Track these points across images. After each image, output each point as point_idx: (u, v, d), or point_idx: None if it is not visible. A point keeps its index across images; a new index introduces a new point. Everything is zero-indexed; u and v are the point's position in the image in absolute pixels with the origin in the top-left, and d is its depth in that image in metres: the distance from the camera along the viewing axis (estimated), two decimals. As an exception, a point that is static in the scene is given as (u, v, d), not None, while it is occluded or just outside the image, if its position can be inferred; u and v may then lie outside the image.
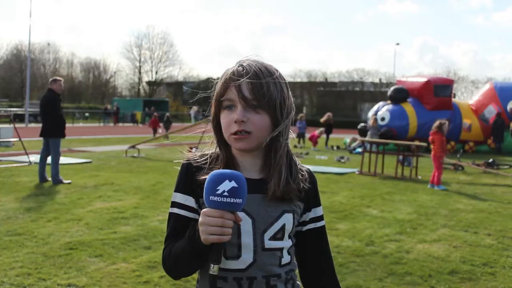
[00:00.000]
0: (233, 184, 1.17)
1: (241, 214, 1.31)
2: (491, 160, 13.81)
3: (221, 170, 1.22)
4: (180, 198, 1.39)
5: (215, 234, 1.18)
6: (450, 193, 9.33)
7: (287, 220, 1.37)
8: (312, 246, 1.46)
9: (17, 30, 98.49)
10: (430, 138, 10.30)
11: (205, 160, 1.40)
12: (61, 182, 8.81)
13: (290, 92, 1.40)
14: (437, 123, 10.28)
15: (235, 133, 1.32)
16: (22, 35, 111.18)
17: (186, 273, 1.35)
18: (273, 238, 1.35)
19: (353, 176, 11.50)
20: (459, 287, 4.29)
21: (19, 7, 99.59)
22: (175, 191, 1.41)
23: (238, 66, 1.35)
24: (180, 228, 1.35)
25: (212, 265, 1.20)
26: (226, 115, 1.34)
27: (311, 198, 1.44)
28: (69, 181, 9.00)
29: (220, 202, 1.17)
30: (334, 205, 7.62)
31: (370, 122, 18.03)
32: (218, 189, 1.17)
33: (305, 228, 1.45)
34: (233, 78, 1.32)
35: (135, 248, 5.04)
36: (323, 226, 1.49)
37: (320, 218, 1.47)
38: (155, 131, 25.02)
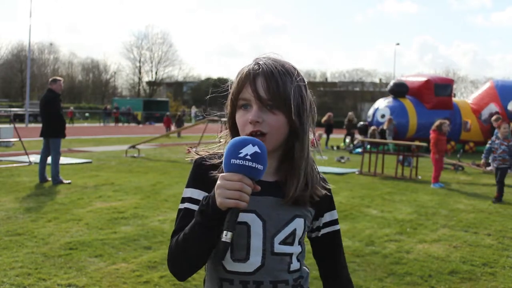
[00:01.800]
0: (256, 149, 1.15)
1: (251, 216, 1.28)
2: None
3: (243, 136, 1.20)
4: (191, 193, 1.34)
5: (231, 198, 1.14)
6: (450, 193, 9.33)
7: (299, 225, 1.34)
8: (327, 250, 1.47)
9: (18, 30, 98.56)
10: (431, 136, 10.50)
11: (218, 158, 1.36)
12: (61, 182, 8.81)
13: (310, 92, 1.36)
14: (437, 122, 10.44)
15: (250, 134, 1.28)
16: (22, 35, 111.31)
17: (195, 263, 1.27)
18: (283, 242, 1.32)
19: (353, 176, 11.50)
20: (459, 287, 4.29)
21: (19, 7, 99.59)
22: (186, 187, 1.37)
23: (254, 64, 1.31)
24: (190, 221, 1.28)
25: (225, 231, 1.16)
26: (241, 114, 1.31)
27: (325, 203, 1.42)
28: (69, 181, 8.99)
29: (241, 165, 1.14)
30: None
31: (385, 123, 17.92)
32: (241, 152, 1.14)
33: (321, 233, 1.45)
34: (248, 77, 1.29)
35: (135, 248, 5.04)
36: (338, 231, 1.48)
37: (335, 221, 1.46)
38: (168, 130, 25.82)
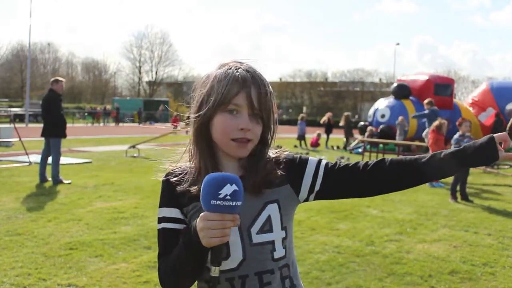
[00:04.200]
0: (235, 187, 1.17)
1: None
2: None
3: (219, 174, 1.20)
4: (166, 212, 1.39)
5: (216, 237, 1.17)
6: (450, 193, 9.32)
7: (272, 211, 1.35)
8: (346, 177, 1.40)
9: (17, 30, 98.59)
10: (430, 136, 10.58)
11: (183, 170, 1.40)
12: (61, 182, 8.81)
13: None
14: (436, 122, 10.55)
15: (235, 139, 1.31)
16: (22, 35, 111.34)
17: (188, 281, 1.34)
18: (261, 231, 1.34)
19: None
20: (459, 287, 4.29)
21: (19, 7, 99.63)
22: (160, 207, 1.41)
23: (244, 71, 1.33)
24: (172, 241, 1.34)
25: (213, 267, 1.20)
26: (227, 119, 1.31)
27: (296, 171, 1.41)
28: (69, 181, 8.99)
29: (222, 205, 1.16)
30: (334, 205, 7.61)
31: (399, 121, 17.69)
32: (221, 193, 1.16)
33: (318, 186, 1.40)
34: (244, 84, 1.30)
35: (135, 248, 5.04)
36: (327, 163, 1.43)
37: (318, 165, 1.42)
38: (175, 128, 26.37)
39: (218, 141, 1.35)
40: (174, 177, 1.40)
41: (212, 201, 1.16)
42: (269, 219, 1.35)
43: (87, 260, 4.63)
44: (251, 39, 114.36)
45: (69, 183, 8.83)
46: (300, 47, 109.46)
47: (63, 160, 10.08)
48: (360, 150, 17.32)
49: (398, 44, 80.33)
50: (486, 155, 1.31)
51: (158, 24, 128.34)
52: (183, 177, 1.38)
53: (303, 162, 1.43)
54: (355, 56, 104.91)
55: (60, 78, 9.21)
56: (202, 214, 1.19)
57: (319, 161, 1.44)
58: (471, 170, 13.18)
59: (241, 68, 1.34)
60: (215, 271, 1.20)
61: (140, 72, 67.38)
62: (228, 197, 1.16)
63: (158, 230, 1.40)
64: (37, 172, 9.15)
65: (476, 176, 12.18)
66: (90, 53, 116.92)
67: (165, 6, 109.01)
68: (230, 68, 1.34)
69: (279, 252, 1.36)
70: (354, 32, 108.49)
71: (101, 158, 13.30)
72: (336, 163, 1.44)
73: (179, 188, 1.36)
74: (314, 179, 1.41)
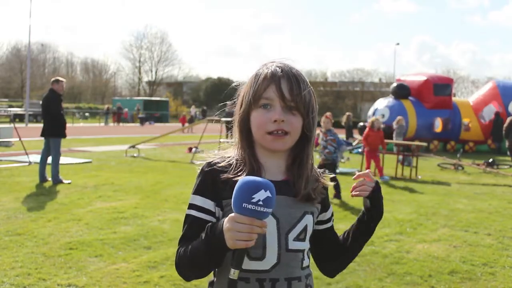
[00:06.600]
0: (268, 194, 1.17)
1: None
2: (491, 160, 13.81)
3: (255, 178, 1.20)
4: (199, 201, 1.38)
5: (242, 240, 1.18)
6: (450, 193, 9.33)
7: (309, 221, 1.39)
8: (331, 242, 1.52)
9: (17, 30, 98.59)
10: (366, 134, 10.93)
11: (227, 163, 1.39)
12: (61, 182, 8.81)
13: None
14: (371, 119, 10.92)
15: (271, 133, 1.33)
16: (22, 35, 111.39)
17: (201, 274, 1.34)
18: (297, 239, 1.37)
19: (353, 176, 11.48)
20: (459, 287, 4.29)
21: (19, 7, 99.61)
22: (194, 193, 1.39)
23: (276, 67, 1.36)
24: (196, 230, 1.33)
25: (233, 270, 1.20)
26: (261, 113, 1.34)
27: (326, 198, 1.49)
28: (69, 181, 8.99)
29: (253, 210, 1.16)
30: (334, 205, 7.62)
31: (394, 123, 17.67)
32: (254, 198, 1.16)
33: (324, 226, 1.51)
34: (273, 78, 1.34)
35: (135, 248, 5.04)
36: (333, 224, 1.57)
37: (332, 216, 1.55)
38: (183, 126, 28.99)
39: (256, 136, 1.37)
40: (217, 167, 1.39)
41: (244, 204, 1.17)
42: (305, 228, 1.38)
43: (87, 260, 4.63)
44: (251, 39, 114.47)
45: (69, 183, 8.82)
46: (300, 47, 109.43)
47: (63, 160, 10.08)
48: (360, 150, 17.30)
49: (398, 44, 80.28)
50: (375, 214, 1.48)
51: (157, 24, 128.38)
52: (226, 168, 1.38)
53: (328, 198, 1.52)
54: (354, 56, 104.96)
55: (60, 78, 9.22)
56: (231, 215, 1.20)
57: (332, 214, 1.55)
58: (471, 170, 13.20)
59: (273, 65, 1.37)
60: (234, 274, 1.20)
61: (140, 72, 67.38)
62: (260, 203, 1.16)
63: (187, 215, 1.40)
64: (37, 172, 9.15)
65: (476, 176, 12.17)
66: (90, 53, 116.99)
67: (164, 6, 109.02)
68: (263, 67, 1.38)
69: (306, 261, 1.41)
70: (353, 32, 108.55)
71: (101, 158, 13.29)
72: (332, 226, 1.55)
73: (220, 180, 1.35)
74: (329, 220, 1.52)
